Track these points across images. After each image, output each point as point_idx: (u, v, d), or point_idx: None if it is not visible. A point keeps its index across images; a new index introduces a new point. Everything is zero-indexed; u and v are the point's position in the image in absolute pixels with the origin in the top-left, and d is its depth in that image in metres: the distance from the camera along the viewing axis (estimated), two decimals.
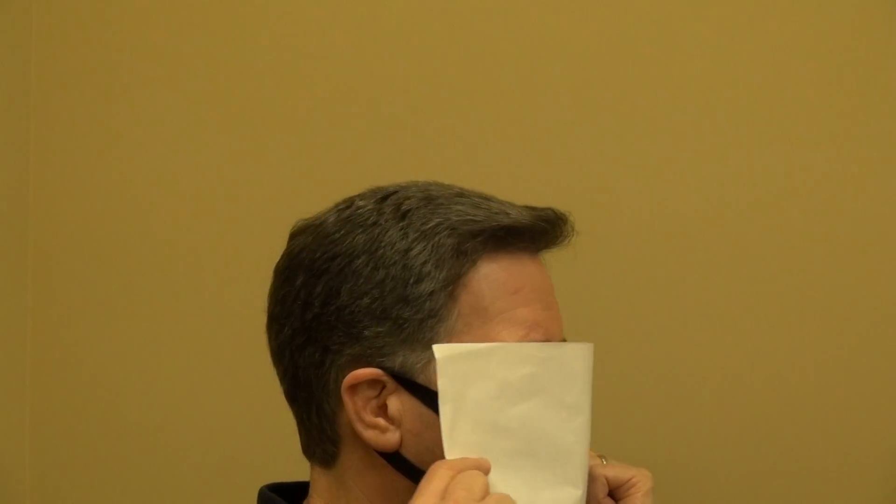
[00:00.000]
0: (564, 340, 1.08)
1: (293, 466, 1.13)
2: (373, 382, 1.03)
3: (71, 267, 1.68)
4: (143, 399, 1.65)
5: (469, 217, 1.06)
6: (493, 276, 1.06)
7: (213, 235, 1.64)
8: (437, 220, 1.06)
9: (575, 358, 1.05)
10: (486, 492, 0.97)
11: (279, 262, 1.12)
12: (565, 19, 1.51)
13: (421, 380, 1.03)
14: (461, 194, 1.10)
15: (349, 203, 1.11)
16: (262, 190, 1.61)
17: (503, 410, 1.02)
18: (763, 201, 1.46)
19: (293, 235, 1.12)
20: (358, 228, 1.08)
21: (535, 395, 1.02)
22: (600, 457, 1.14)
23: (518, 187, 1.18)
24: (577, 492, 1.03)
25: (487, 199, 1.09)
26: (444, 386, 1.00)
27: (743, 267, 1.47)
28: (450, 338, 1.04)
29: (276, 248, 1.41)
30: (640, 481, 1.12)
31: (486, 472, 1.00)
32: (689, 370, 1.47)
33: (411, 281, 1.05)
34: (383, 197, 1.10)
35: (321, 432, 1.08)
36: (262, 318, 1.11)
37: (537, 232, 1.08)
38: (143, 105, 1.66)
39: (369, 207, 1.09)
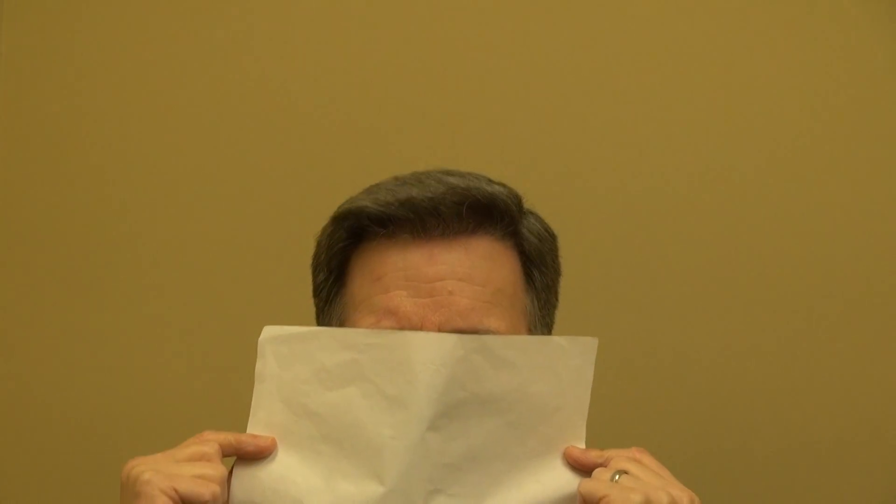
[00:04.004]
0: (473, 332, 1.00)
1: None
2: None
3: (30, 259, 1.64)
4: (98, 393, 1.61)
5: (342, 205, 1.08)
6: (362, 264, 1.07)
7: (185, 227, 1.59)
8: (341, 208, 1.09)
9: (410, 347, 0.97)
10: (200, 458, 0.96)
11: None
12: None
13: None
14: (394, 178, 1.09)
15: None
16: (238, 177, 1.57)
17: (315, 395, 0.99)
18: (760, 185, 1.43)
19: None
20: None
21: (354, 383, 0.98)
22: (619, 472, 0.96)
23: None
24: (380, 489, 0.96)
25: (405, 183, 1.06)
26: (260, 366, 1.01)
27: (742, 256, 1.43)
28: (340, 325, 1.07)
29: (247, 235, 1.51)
30: (613, 500, 0.93)
31: (265, 450, 0.99)
32: (687, 361, 1.43)
33: (315, 272, 1.11)
34: None
35: None
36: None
37: (398, 220, 1.03)
38: (109, 90, 1.61)
39: None
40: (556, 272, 1.14)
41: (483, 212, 1.05)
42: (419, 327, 1.02)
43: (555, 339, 1.02)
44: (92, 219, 1.62)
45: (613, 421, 1.41)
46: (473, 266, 1.04)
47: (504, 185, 1.09)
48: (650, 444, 1.05)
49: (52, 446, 1.63)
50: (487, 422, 0.99)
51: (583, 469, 1.01)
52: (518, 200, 1.09)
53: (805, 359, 1.41)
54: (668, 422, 1.44)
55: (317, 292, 1.12)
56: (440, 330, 1.01)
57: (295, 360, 1.00)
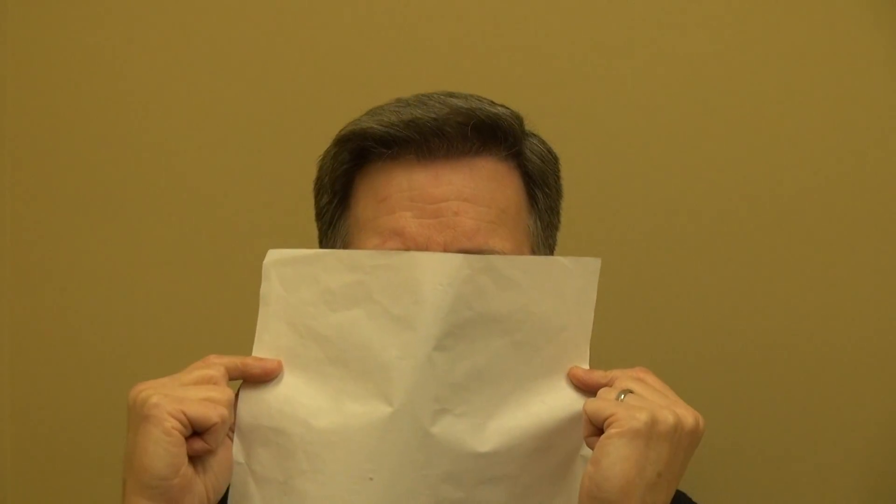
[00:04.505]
0: (478, 252, 0.99)
1: None
2: None
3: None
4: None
5: (346, 127, 1.07)
6: (366, 185, 1.06)
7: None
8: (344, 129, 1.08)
9: (417, 268, 0.96)
10: (206, 381, 0.95)
11: None
12: None
13: None
14: (397, 100, 1.08)
15: None
16: (239, 102, 1.55)
17: (321, 317, 0.99)
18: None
19: None
20: None
21: (360, 304, 0.98)
22: (624, 392, 0.96)
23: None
24: (387, 409, 0.96)
25: (409, 104, 1.05)
26: (265, 289, 1.01)
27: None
28: (344, 247, 1.07)
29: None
30: (620, 419, 0.91)
31: (271, 373, 0.99)
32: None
33: (318, 195, 1.11)
34: None
35: None
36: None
37: (403, 140, 1.03)
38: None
39: None
40: (559, 193, 1.14)
41: (487, 132, 1.05)
42: (424, 248, 1.01)
43: (559, 260, 1.01)
44: (99, 145, 1.60)
45: (616, 341, 1.41)
46: (478, 187, 1.04)
47: (506, 107, 1.08)
48: (652, 364, 1.05)
49: (60, 373, 1.63)
50: (493, 341, 0.98)
51: (587, 389, 1.00)
52: (521, 122, 1.09)
53: (809, 276, 1.41)
54: (670, 342, 1.43)
55: (320, 215, 1.12)
56: (445, 250, 1.01)
57: (300, 282, 1.00)
